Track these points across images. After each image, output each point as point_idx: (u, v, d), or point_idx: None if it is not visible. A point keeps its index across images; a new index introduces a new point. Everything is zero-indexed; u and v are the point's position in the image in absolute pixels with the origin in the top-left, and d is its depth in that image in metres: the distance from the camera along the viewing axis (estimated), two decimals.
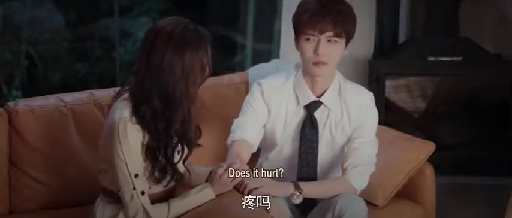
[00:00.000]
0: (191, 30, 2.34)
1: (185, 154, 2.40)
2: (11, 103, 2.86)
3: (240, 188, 2.48)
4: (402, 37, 4.67)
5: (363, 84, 4.19)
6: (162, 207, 2.37)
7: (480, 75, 4.44)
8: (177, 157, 2.39)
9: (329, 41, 2.60)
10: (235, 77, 3.28)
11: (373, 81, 4.32)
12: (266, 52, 4.91)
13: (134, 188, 2.31)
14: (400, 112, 4.56)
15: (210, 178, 2.49)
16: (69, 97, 2.93)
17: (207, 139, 2.79)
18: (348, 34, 2.62)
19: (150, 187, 2.37)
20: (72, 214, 2.76)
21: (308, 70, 2.66)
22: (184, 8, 5.19)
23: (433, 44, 4.39)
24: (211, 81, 3.18)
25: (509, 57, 4.46)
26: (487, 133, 4.47)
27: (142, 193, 2.33)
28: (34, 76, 5.15)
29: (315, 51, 2.60)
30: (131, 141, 2.29)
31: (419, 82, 4.53)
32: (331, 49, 2.60)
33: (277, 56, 4.25)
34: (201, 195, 2.40)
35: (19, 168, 2.80)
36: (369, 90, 4.19)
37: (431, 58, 4.36)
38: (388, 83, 4.41)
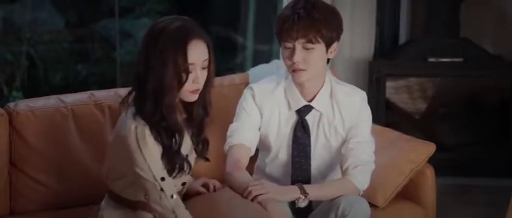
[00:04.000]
0: (173, 25, 2.30)
1: (177, 142, 2.35)
2: (11, 104, 2.86)
3: (243, 194, 2.48)
4: (402, 38, 4.67)
5: (363, 85, 4.25)
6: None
7: (480, 76, 4.44)
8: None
9: (305, 47, 2.58)
10: (235, 78, 3.28)
11: (374, 82, 4.32)
12: (267, 53, 4.91)
13: (162, 190, 2.28)
14: (401, 113, 4.56)
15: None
16: (70, 98, 2.93)
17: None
18: (325, 39, 2.58)
19: None
20: (72, 214, 2.76)
21: (291, 77, 2.67)
22: (185, 9, 5.20)
23: (434, 45, 4.39)
24: None
25: (509, 58, 4.46)
26: (488, 134, 4.48)
27: (172, 196, 2.28)
28: (34, 77, 5.15)
29: (290, 58, 2.60)
30: (152, 146, 2.27)
31: (420, 83, 4.54)
32: (308, 55, 2.58)
33: (278, 57, 4.24)
34: None
35: (19, 169, 2.80)
36: (369, 91, 4.25)
37: (431, 59, 4.37)
38: (389, 84, 4.41)
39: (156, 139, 2.28)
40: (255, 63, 4.59)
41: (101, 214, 2.44)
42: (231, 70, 4.89)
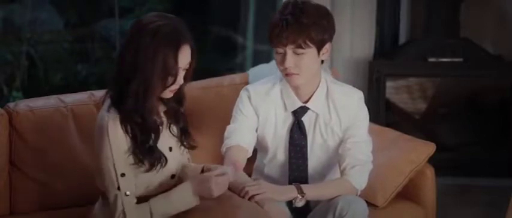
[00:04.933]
0: (167, 29, 2.31)
1: (152, 140, 2.37)
2: (11, 104, 2.86)
3: (241, 194, 2.48)
4: (402, 38, 4.67)
5: (363, 85, 4.25)
6: (143, 209, 2.34)
7: (480, 76, 4.44)
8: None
9: (296, 52, 2.57)
10: (235, 78, 3.28)
11: (374, 82, 4.32)
12: (267, 53, 4.91)
13: (119, 188, 2.31)
14: (401, 113, 4.56)
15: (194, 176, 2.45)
16: (70, 98, 2.94)
17: (207, 139, 2.80)
18: (315, 42, 2.57)
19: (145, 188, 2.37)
20: (72, 214, 2.76)
21: (286, 80, 2.67)
22: (185, 9, 5.19)
23: (434, 45, 4.39)
24: (212, 81, 3.20)
25: (509, 58, 4.46)
26: (488, 134, 4.48)
27: (126, 194, 2.32)
28: (34, 77, 5.15)
29: (282, 63, 2.59)
30: (119, 139, 2.30)
31: (420, 83, 4.54)
32: (299, 60, 2.58)
33: None
34: (182, 193, 2.36)
35: (19, 169, 2.80)
36: (369, 91, 4.25)
37: (431, 59, 4.36)
38: (389, 84, 4.41)
39: (126, 132, 2.31)
40: (255, 63, 4.59)
41: (94, 213, 2.45)
42: (231, 70, 4.89)
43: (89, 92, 3.00)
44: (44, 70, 5.18)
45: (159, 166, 2.38)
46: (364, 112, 2.73)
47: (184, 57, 2.33)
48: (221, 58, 5.27)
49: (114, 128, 2.29)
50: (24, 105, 2.85)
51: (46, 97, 2.96)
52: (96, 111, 2.90)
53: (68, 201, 2.83)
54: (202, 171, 2.50)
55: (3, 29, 5.14)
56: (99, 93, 2.96)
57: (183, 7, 5.25)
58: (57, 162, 2.82)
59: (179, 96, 2.44)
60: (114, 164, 2.30)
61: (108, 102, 2.35)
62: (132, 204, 2.33)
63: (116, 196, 2.31)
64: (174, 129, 2.49)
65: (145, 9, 5.33)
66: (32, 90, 5.00)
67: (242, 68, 5.11)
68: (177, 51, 2.30)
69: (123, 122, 2.31)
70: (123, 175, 2.31)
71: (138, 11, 5.35)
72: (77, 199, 2.80)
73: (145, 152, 2.34)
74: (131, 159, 2.33)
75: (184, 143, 2.51)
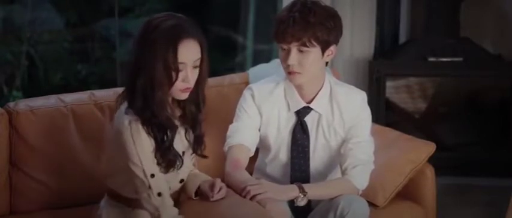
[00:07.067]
0: (167, 23, 2.31)
1: (169, 138, 2.35)
2: (11, 104, 2.86)
3: (242, 194, 2.48)
4: (402, 37, 4.68)
5: (363, 85, 4.25)
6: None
7: (480, 76, 4.44)
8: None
9: (300, 50, 2.58)
10: (236, 77, 3.28)
11: (374, 81, 4.32)
12: (267, 52, 4.91)
13: (150, 188, 2.29)
14: (401, 112, 4.56)
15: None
16: (70, 98, 2.93)
17: (208, 139, 2.78)
18: (320, 42, 2.57)
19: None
20: (72, 214, 2.76)
21: (288, 78, 2.67)
22: (185, 9, 5.19)
23: (434, 45, 4.39)
24: (213, 81, 3.19)
25: (509, 58, 4.46)
26: (488, 133, 4.48)
27: (159, 194, 2.30)
28: (35, 76, 5.15)
29: (286, 60, 2.59)
30: (144, 140, 2.28)
31: (420, 83, 4.54)
32: (302, 58, 2.58)
33: (278, 56, 4.24)
34: None
35: (19, 168, 2.80)
36: (369, 91, 4.25)
37: (431, 59, 4.37)
38: (389, 84, 4.41)
39: (148, 133, 2.29)
40: (255, 63, 4.59)
41: (100, 213, 2.44)
42: (231, 70, 4.89)
43: (89, 92, 2.99)
44: (44, 70, 5.18)
45: (175, 167, 2.36)
46: (366, 113, 2.73)
47: (187, 51, 2.30)
48: (221, 58, 5.27)
49: (138, 131, 2.27)
50: (24, 105, 2.84)
51: (46, 97, 2.95)
52: (96, 110, 2.90)
53: (68, 201, 2.83)
54: (199, 188, 2.50)
55: (3, 29, 5.15)
56: (99, 93, 2.97)
57: (183, 7, 5.25)
58: (57, 162, 2.82)
59: (196, 99, 2.41)
60: (143, 168, 2.28)
61: (125, 104, 2.33)
62: (169, 206, 2.32)
63: (149, 196, 2.30)
64: (189, 135, 2.46)
65: (145, 9, 5.34)
66: (32, 90, 5.00)
67: (242, 68, 5.11)
68: (176, 44, 2.28)
69: (145, 124, 2.28)
70: (152, 175, 2.29)
71: (138, 10, 5.36)
72: (77, 199, 2.80)
73: (165, 151, 2.32)
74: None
75: (198, 151, 2.49)
